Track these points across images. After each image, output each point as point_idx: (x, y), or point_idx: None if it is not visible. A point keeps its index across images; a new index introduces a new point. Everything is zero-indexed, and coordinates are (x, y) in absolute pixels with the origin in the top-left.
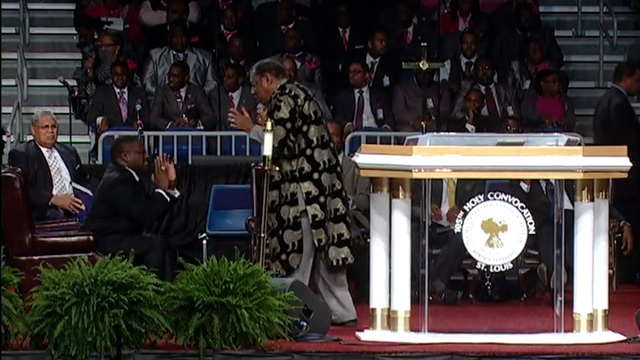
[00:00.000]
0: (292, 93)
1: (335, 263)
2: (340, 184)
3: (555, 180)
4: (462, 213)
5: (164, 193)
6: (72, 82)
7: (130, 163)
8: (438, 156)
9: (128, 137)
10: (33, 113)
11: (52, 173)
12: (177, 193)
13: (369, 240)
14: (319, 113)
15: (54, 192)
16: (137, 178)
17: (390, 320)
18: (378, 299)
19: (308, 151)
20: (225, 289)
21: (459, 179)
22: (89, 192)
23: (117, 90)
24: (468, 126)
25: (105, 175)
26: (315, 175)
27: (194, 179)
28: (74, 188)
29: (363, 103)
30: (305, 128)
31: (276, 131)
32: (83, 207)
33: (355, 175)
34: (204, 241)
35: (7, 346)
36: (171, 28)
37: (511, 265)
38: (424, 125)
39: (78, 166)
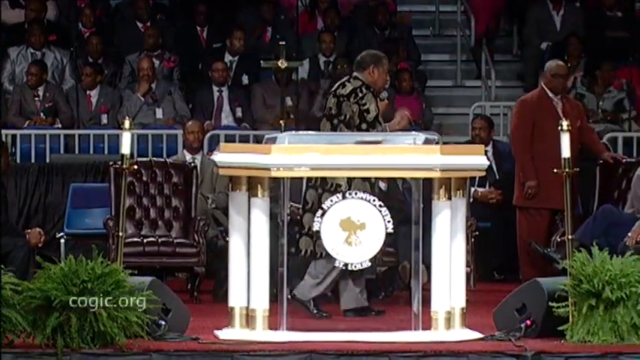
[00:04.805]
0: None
1: (304, 254)
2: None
3: (412, 178)
4: (320, 211)
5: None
6: None
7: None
8: (296, 154)
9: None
10: None
11: None
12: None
13: (227, 239)
14: (331, 110)
15: None
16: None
17: (249, 319)
18: (236, 298)
19: None
20: (83, 288)
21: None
22: None
23: None
24: None
25: None
26: None
27: (52, 178)
28: None
29: (222, 102)
30: None
31: None
32: None
33: (214, 174)
34: (62, 240)
35: None
36: (29, 26)
37: (370, 264)
38: (283, 124)
39: None
